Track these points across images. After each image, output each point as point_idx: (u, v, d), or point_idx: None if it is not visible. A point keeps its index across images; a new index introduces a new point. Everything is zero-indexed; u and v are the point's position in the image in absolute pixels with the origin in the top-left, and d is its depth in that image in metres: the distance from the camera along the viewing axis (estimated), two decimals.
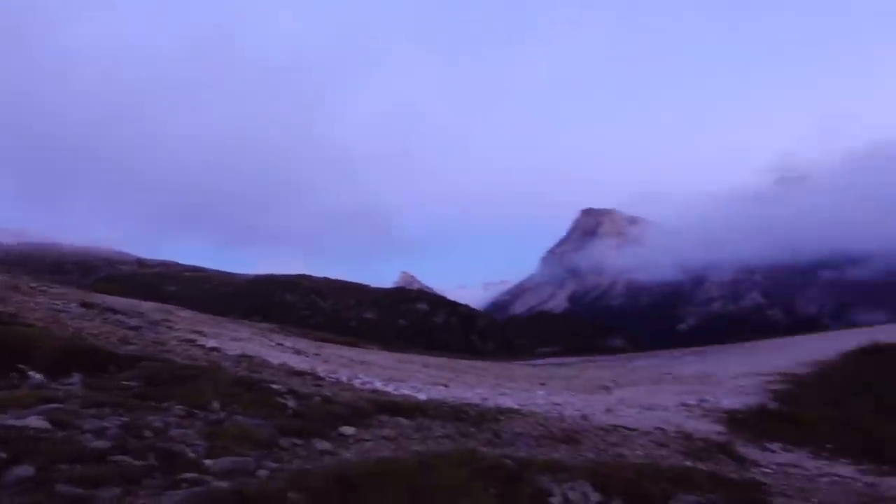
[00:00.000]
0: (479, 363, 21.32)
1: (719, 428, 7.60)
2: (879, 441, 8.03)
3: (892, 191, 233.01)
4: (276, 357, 9.43)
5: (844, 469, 6.11)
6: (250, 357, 8.31)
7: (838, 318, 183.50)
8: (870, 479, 5.70)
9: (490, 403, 7.96)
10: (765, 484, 4.81)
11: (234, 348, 9.26)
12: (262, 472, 3.69)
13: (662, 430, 7.07)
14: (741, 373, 14.12)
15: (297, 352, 12.40)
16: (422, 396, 7.72)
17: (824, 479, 5.37)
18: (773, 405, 9.39)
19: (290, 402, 5.62)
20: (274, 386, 6.09)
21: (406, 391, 8.19)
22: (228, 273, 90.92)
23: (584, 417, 7.59)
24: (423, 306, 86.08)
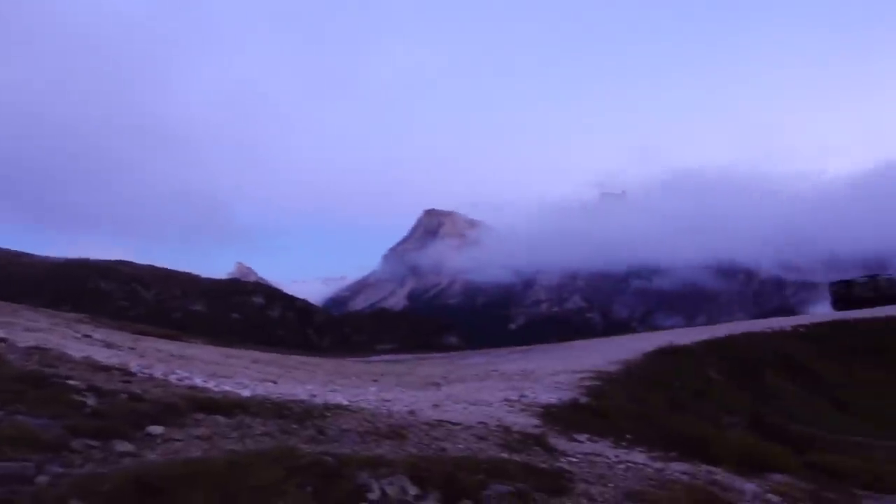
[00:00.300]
0: (313, 359, 20.85)
1: (536, 421, 8.08)
2: (669, 431, 9.05)
3: (691, 213, 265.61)
4: (79, 350, 8.47)
5: (639, 456, 6.76)
6: (45, 349, 7.37)
7: (644, 321, 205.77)
8: (659, 464, 6.36)
9: (318, 400, 7.79)
10: (570, 472, 5.18)
11: (26, 339, 8.17)
12: (42, 479, 3.25)
13: (485, 424, 7.35)
14: (560, 370, 15.12)
15: (108, 345, 11.25)
16: (245, 393, 7.34)
17: (621, 466, 5.90)
18: (583, 400, 10.19)
19: (90, 400, 5.05)
20: (71, 382, 5.45)
21: (228, 387, 7.75)
22: (32, 255, 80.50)
23: (412, 413, 7.69)
24: (258, 299, 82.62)
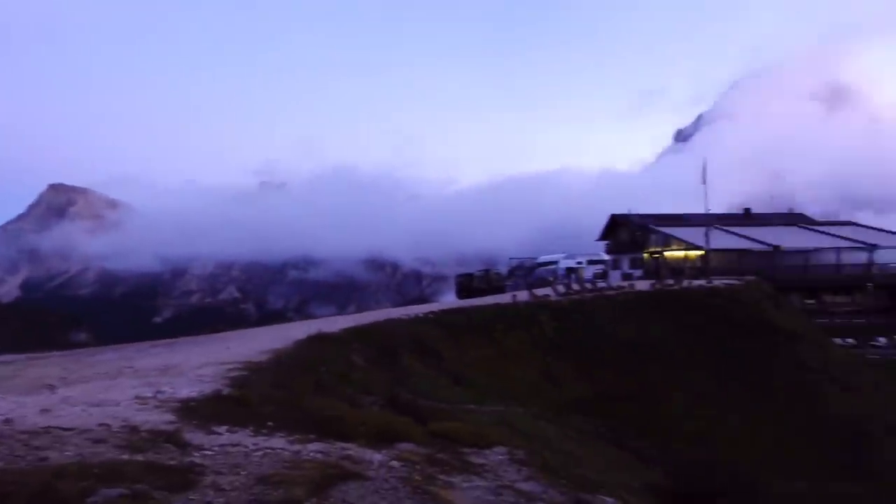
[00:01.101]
0: None
1: (171, 417, 7.49)
2: (311, 414, 9.32)
3: (346, 208, 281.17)
4: None
5: (279, 442, 6.77)
6: None
7: (300, 311, 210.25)
8: (297, 447, 6.47)
9: None
10: (202, 465, 4.90)
11: None
12: None
13: (107, 426, 6.51)
14: (206, 363, 14.37)
15: None
16: None
17: (259, 453, 5.83)
18: (227, 391, 9.83)
19: None
20: None
21: None
22: None
23: (8, 422, 6.38)
24: None
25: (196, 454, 5.53)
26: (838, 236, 63.11)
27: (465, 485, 5.81)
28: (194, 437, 6.49)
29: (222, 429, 7.24)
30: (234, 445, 6.20)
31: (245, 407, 8.96)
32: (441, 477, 5.96)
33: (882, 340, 49.16)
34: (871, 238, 62.39)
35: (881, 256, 58.83)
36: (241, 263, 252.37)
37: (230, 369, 12.95)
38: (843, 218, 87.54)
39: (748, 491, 15.34)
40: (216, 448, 6.00)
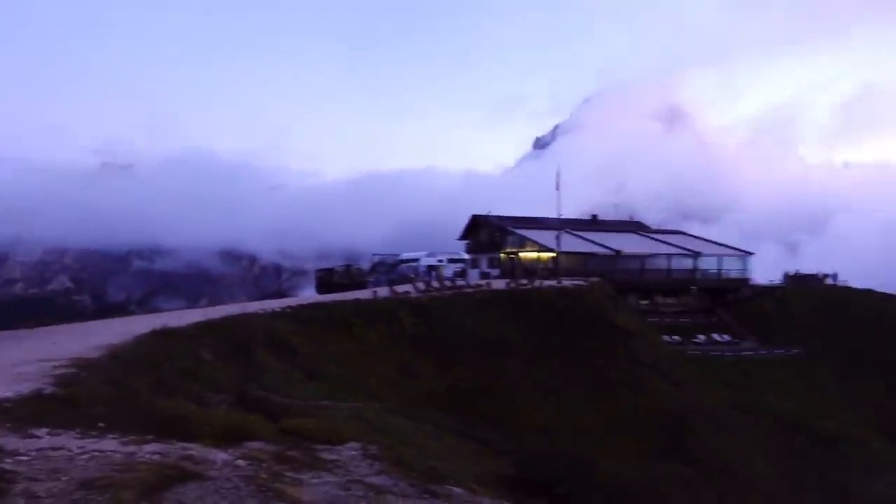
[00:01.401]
0: None
1: None
2: (150, 414, 8.68)
3: (200, 194, 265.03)
4: None
5: (110, 444, 6.24)
6: None
7: (144, 304, 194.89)
8: (131, 448, 6.00)
9: None
10: (13, 472, 4.39)
11: None
12: None
13: None
14: (27, 360, 12.91)
15: None
16: None
17: (85, 457, 5.33)
18: (51, 390, 8.89)
19: None
20: None
21: None
22: None
23: None
24: None
25: (8, 460, 4.94)
26: (669, 243, 69.91)
27: (313, 481, 5.71)
28: (7, 441, 5.80)
29: (42, 431, 6.53)
30: (55, 449, 5.61)
31: (72, 407, 8.14)
32: (289, 474, 5.80)
33: (702, 338, 55.23)
34: (696, 246, 69.78)
35: (704, 263, 66.04)
36: (75, 250, 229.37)
37: (56, 367, 11.73)
38: (673, 227, 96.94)
39: (586, 475, 16.52)
40: (33, 452, 5.40)
